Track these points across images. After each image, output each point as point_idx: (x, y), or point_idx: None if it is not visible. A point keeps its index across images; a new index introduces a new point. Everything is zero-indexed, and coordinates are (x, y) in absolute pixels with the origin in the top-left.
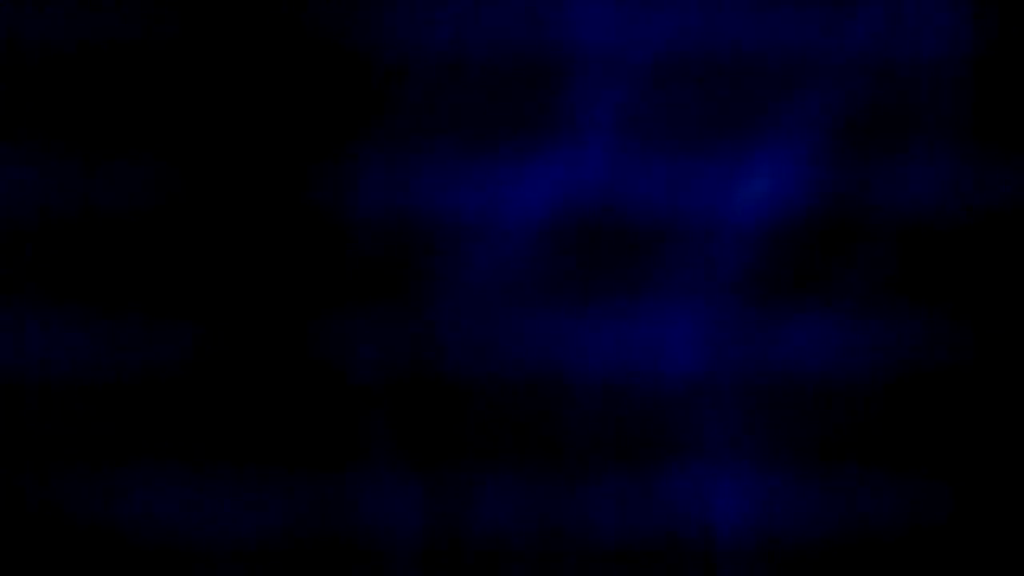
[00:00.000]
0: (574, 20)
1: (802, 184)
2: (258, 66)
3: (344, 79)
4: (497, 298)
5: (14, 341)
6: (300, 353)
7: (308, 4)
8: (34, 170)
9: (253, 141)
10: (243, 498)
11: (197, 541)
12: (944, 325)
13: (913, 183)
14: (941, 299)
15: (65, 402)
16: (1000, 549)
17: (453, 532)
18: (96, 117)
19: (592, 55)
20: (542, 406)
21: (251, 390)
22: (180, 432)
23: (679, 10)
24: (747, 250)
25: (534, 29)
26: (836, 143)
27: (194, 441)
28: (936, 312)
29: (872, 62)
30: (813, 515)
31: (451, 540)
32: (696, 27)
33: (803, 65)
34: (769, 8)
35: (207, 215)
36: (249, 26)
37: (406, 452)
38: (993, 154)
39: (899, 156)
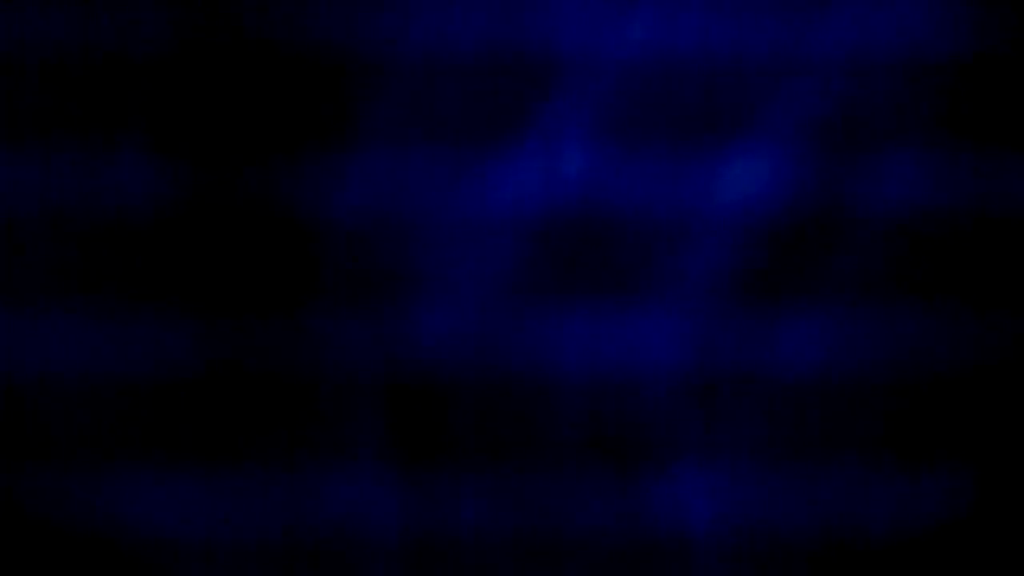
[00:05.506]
0: (554, 19)
1: (791, 182)
2: (240, 68)
3: (324, 79)
4: (479, 297)
5: (17, 341)
6: (282, 353)
7: (287, 4)
8: (38, 170)
9: (234, 142)
10: (228, 498)
11: (192, 541)
12: (938, 322)
13: (905, 180)
14: (934, 296)
15: (63, 403)
16: (998, 546)
17: (438, 531)
18: (97, 117)
19: (573, 54)
20: (526, 405)
21: (236, 392)
22: (168, 433)
23: (659, 10)
24: (734, 248)
25: (514, 28)
26: (827, 140)
27: (181, 442)
28: (930, 310)
29: (864, 59)
30: (804, 514)
31: (436, 539)
32: (678, 26)
33: (791, 62)
34: (751, 6)
35: (191, 216)
36: (231, 28)
37: (391, 451)
38: (986, 151)
39: (890, 153)
